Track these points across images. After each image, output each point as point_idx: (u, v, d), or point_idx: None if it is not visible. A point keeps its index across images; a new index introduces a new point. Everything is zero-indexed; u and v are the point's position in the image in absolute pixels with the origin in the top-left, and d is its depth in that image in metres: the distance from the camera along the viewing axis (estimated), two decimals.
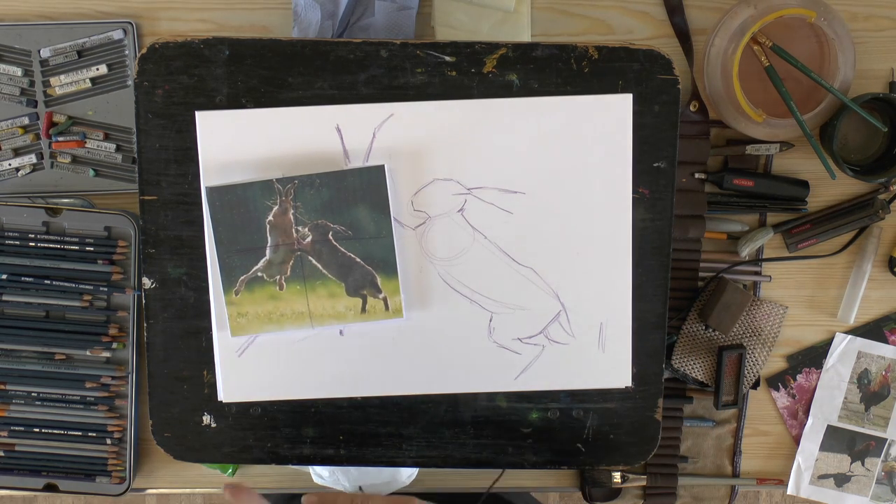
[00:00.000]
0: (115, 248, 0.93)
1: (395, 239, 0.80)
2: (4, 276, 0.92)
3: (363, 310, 0.81)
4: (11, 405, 0.95)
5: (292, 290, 0.81)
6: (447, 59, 0.80)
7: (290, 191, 0.79)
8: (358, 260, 0.80)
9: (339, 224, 0.80)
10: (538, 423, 0.85)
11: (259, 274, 0.80)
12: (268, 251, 0.80)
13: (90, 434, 0.96)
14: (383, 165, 0.79)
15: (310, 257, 0.80)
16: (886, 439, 1.01)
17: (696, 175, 0.94)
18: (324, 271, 0.81)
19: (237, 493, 0.73)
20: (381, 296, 0.81)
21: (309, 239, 0.80)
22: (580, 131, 0.81)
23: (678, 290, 0.96)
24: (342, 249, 0.80)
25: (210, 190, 0.79)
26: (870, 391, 1.00)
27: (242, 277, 0.80)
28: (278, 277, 0.81)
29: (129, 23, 0.92)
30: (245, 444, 0.84)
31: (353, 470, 0.96)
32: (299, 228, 0.80)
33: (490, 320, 0.83)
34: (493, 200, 0.81)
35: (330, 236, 0.80)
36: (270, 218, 0.79)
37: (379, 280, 0.81)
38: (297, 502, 1.00)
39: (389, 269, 0.81)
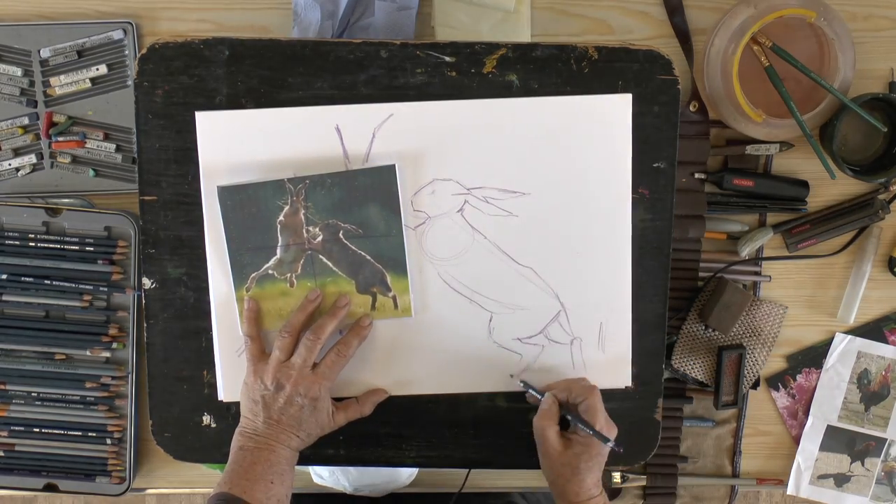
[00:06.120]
0: (115, 248, 0.93)
1: None
2: (4, 276, 0.92)
3: (373, 307, 0.81)
4: (11, 405, 0.95)
5: (303, 288, 0.81)
6: (447, 59, 0.80)
7: (301, 190, 0.79)
8: (368, 258, 0.80)
9: (350, 223, 0.80)
10: None
11: (270, 271, 0.80)
12: (279, 250, 0.80)
13: (90, 434, 0.96)
14: (394, 165, 0.79)
15: (320, 255, 0.80)
16: (886, 439, 1.01)
17: (696, 175, 0.94)
18: (334, 269, 0.81)
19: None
20: (390, 294, 0.81)
21: (320, 238, 0.80)
22: (580, 131, 0.81)
23: (678, 290, 0.96)
24: (353, 248, 0.80)
25: (222, 189, 0.79)
26: (870, 391, 1.00)
27: (254, 275, 0.80)
28: (289, 275, 0.81)
29: (129, 23, 0.92)
30: None
31: (353, 470, 0.96)
32: (310, 228, 0.80)
33: (490, 320, 0.83)
34: (492, 200, 0.81)
35: (340, 235, 0.80)
36: (281, 218, 0.79)
37: (388, 278, 0.81)
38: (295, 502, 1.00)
39: (399, 267, 0.81)
